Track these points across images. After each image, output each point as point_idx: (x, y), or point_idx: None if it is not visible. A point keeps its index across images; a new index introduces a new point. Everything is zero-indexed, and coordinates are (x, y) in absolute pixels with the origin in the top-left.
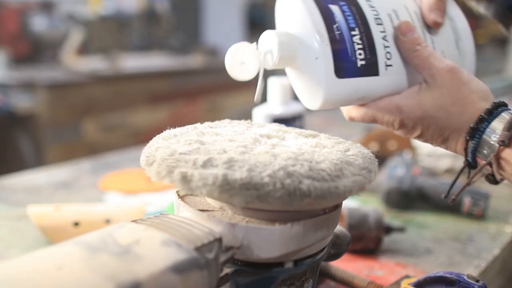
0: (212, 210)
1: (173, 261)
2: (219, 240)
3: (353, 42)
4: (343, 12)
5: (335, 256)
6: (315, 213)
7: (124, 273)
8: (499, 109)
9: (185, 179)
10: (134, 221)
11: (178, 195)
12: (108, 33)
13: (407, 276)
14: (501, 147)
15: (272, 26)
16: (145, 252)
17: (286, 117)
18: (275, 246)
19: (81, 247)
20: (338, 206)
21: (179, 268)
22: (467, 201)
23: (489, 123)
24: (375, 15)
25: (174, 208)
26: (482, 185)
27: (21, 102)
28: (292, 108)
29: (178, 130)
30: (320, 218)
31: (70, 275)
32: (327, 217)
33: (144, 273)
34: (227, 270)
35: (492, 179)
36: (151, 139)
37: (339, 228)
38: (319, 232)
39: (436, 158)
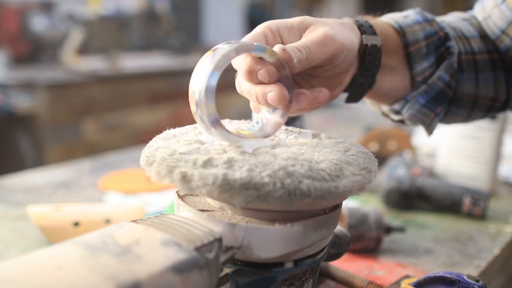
0: (212, 210)
1: (173, 261)
2: (219, 240)
3: None
4: None
5: (335, 256)
6: (315, 213)
7: (124, 273)
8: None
9: (185, 178)
10: (134, 221)
11: (178, 195)
12: (108, 33)
13: (407, 276)
14: None
15: None
16: (145, 252)
17: None
18: (275, 246)
19: (81, 247)
20: (338, 206)
21: (179, 268)
22: (467, 201)
23: None
24: None
25: (174, 208)
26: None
27: (21, 102)
28: None
29: (177, 130)
30: (320, 218)
31: (70, 275)
32: (327, 217)
33: (144, 273)
34: (227, 270)
35: None
36: (151, 139)
37: (339, 228)
38: (319, 232)
39: (436, 158)
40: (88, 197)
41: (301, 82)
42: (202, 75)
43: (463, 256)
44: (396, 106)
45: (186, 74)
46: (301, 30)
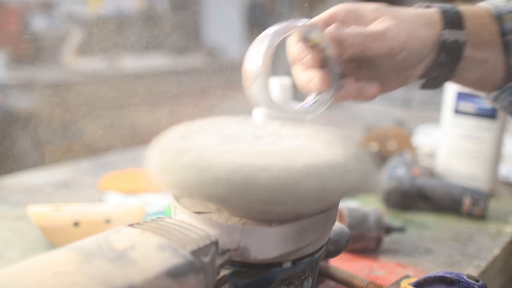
0: (208, 212)
1: (169, 266)
2: (215, 243)
3: None
4: None
5: (334, 253)
6: (311, 212)
7: (119, 279)
8: None
9: None
10: (131, 225)
11: (175, 197)
12: (108, 33)
13: (407, 276)
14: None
15: (271, 26)
16: (140, 257)
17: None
18: (272, 247)
19: (76, 253)
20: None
21: (175, 273)
22: (467, 201)
23: None
24: None
25: (171, 211)
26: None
27: (21, 102)
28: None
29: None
30: (317, 217)
31: (65, 281)
32: (324, 216)
33: (139, 278)
34: (225, 271)
35: None
36: (151, 139)
37: (338, 225)
38: (316, 231)
39: (436, 158)
40: (88, 197)
41: (364, 68)
42: (255, 53)
43: (463, 256)
44: (491, 96)
45: (186, 74)
46: (371, 19)
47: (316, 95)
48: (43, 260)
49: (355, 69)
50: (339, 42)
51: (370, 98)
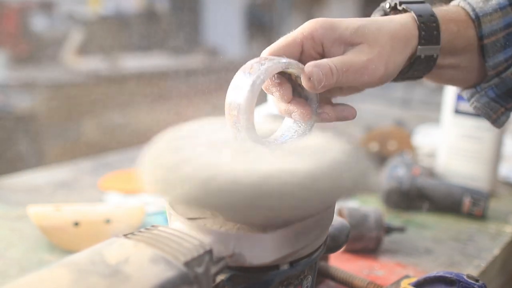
0: (203, 218)
1: (162, 279)
2: (209, 252)
3: None
4: None
5: (334, 248)
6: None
7: None
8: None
9: None
10: (126, 235)
11: (169, 203)
12: (108, 33)
13: (407, 276)
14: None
15: (271, 26)
16: (133, 271)
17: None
18: (267, 252)
19: (70, 270)
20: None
21: (168, 286)
22: (467, 201)
23: None
24: None
25: (167, 216)
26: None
27: (21, 102)
28: None
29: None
30: (313, 219)
31: None
32: (319, 218)
33: None
34: (221, 276)
35: None
36: (151, 139)
37: (338, 219)
38: (312, 233)
39: (436, 158)
40: (88, 197)
41: (337, 93)
42: (242, 89)
43: (463, 256)
44: (465, 94)
45: (186, 74)
46: (349, 43)
47: (295, 122)
48: (36, 278)
49: (330, 94)
50: (317, 80)
51: (349, 119)
